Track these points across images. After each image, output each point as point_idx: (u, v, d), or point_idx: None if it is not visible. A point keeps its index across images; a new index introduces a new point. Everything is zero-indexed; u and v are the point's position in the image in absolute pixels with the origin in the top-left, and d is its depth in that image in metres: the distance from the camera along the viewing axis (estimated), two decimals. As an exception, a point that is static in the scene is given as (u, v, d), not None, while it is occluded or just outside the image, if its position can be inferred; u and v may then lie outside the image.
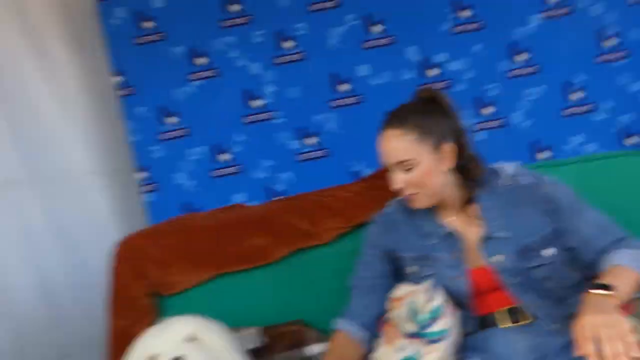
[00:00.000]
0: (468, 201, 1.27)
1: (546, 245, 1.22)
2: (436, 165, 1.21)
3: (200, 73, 2.27)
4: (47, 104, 2.16)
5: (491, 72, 2.26)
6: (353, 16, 2.24)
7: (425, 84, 2.25)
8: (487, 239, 1.23)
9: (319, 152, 2.31)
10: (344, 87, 2.27)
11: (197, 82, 2.27)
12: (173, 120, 2.30)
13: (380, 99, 2.27)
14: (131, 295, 1.52)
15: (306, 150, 2.31)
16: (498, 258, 1.22)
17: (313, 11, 2.23)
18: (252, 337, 1.45)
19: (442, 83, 2.26)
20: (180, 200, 2.33)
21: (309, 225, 1.53)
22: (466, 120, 2.09)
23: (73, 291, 2.15)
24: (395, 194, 1.29)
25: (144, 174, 2.33)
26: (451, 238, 1.26)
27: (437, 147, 1.21)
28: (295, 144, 2.31)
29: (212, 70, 2.27)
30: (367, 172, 2.30)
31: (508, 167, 1.30)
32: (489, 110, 2.27)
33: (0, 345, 1.88)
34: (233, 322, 1.30)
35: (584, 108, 2.26)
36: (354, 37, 2.24)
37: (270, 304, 1.55)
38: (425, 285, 1.23)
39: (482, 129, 2.26)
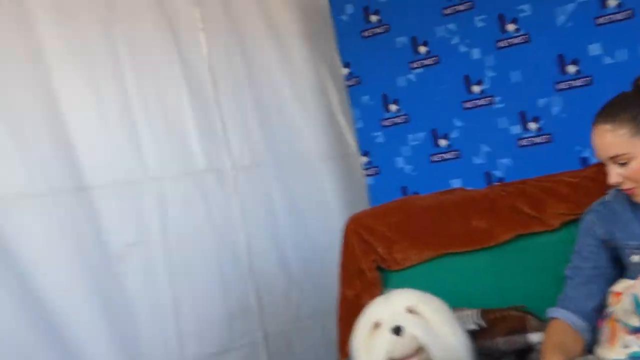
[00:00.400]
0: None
1: None
2: None
3: (422, 61, 2.35)
4: (286, 95, 2.45)
5: None
6: (586, -11, 2.10)
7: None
8: None
9: (541, 137, 2.23)
10: (572, 69, 2.14)
11: (419, 70, 2.36)
12: (394, 107, 2.43)
13: (613, 79, 2.09)
14: (360, 267, 1.68)
15: (527, 135, 2.25)
16: None
17: (539, -10, 2.15)
18: (472, 317, 1.49)
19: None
20: (400, 184, 2.45)
21: (534, 210, 1.52)
22: None
23: (304, 263, 2.42)
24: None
25: (367, 159, 2.50)
26: None
27: None
28: (516, 129, 2.26)
29: (433, 58, 2.33)
30: (595, 160, 2.16)
31: None
32: None
33: (248, 300, 2.21)
34: (453, 302, 1.35)
35: None
36: (586, 14, 2.10)
37: (491, 287, 1.57)
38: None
39: None
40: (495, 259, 1.56)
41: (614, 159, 1.20)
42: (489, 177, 2.32)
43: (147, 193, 1.96)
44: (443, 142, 2.37)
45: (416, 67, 2.36)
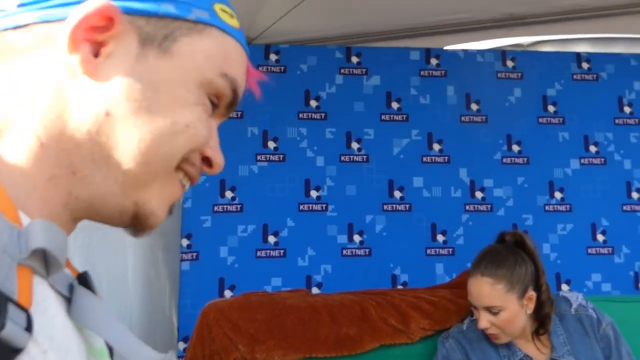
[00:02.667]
0: (540, 327, 1.43)
1: None
2: (519, 310, 1.38)
3: (269, 155, 2.36)
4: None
5: (530, 204, 2.46)
6: (417, 132, 2.43)
7: (471, 204, 2.43)
8: None
9: (363, 250, 2.40)
10: (398, 194, 2.41)
11: (264, 164, 2.36)
12: (230, 194, 2.35)
13: (427, 211, 2.42)
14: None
15: (351, 246, 2.39)
16: None
17: (383, 120, 2.41)
18: None
19: (485, 206, 2.44)
20: (218, 275, 2.32)
21: (401, 324, 1.59)
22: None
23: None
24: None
25: (188, 242, 2.33)
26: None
27: (522, 295, 1.38)
28: (342, 239, 2.39)
29: (280, 155, 2.37)
30: (404, 277, 2.41)
31: (576, 297, 1.48)
32: (523, 238, 2.45)
33: None
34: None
35: (606, 250, 2.48)
36: (416, 150, 2.42)
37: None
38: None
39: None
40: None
41: (488, 308, 1.37)
42: (309, 280, 2.37)
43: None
44: (272, 239, 2.36)
45: (261, 160, 2.37)
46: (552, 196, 2.47)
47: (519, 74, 2.54)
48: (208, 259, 2.33)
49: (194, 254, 2.34)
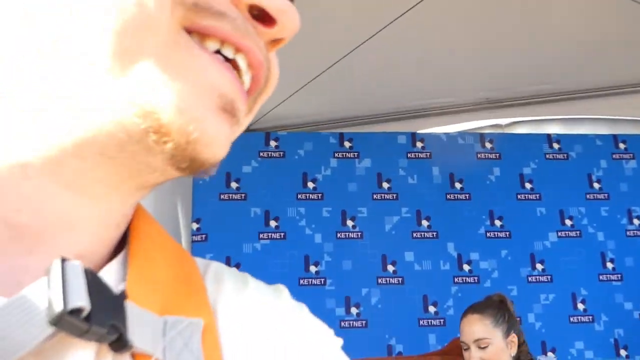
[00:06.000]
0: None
1: None
2: (504, 349, 1.57)
3: (270, 234, 2.54)
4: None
5: (514, 275, 2.64)
6: (407, 209, 2.63)
7: (459, 276, 2.60)
8: None
9: (360, 321, 2.54)
10: (391, 268, 2.58)
11: (266, 242, 2.53)
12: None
13: (419, 283, 2.59)
14: None
15: (349, 318, 2.53)
16: None
17: (375, 199, 2.62)
18: None
19: (472, 278, 2.61)
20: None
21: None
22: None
23: None
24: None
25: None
26: None
27: (507, 334, 1.58)
28: (340, 311, 2.53)
29: (281, 233, 2.55)
30: (399, 347, 2.54)
31: None
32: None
33: None
34: None
35: (587, 318, 2.65)
36: (406, 227, 2.61)
37: None
38: None
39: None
40: None
41: (477, 341, 1.56)
42: (309, 352, 2.48)
43: None
44: (274, 313, 2.49)
45: (264, 239, 2.54)
46: (533, 268, 2.66)
47: (497, 155, 2.78)
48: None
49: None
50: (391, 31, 2.17)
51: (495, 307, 1.65)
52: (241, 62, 0.30)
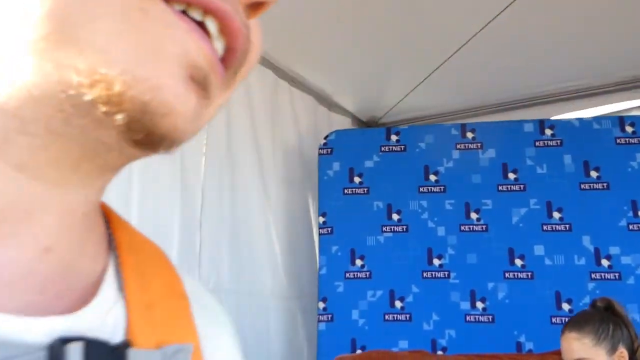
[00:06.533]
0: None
1: None
2: None
3: (393, 227, 2.60)
4: (261, 232, 2.55)
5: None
6: (535, 200, 2.52)
7: (597, 272, 2.43)
8: None
9: (485, 316, 2.49)
10: (519, 262, 2.49)
11: (389, 234, 2.60)
12: (359, 262, 2.61)
13: (550, 278, 2.47)
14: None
15: (474, 312, 2.50)
16: None
17: (500, 191, 2.55)
18: None
19: (613, 275, 2.42)
20: (351, 335, 2.55)
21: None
22: (636, 313, 2.23)
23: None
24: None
25: (324, 305, 2.60)
26: None
27: (612, 351, 1.46)
28: (465, 305, 2.51)
29: (403, 226, 2.60)
30: (529, 345, 2.44)
31: None
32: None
33: None
34: None
35: None
36: (535, 219, 2.51)
37: None
38: None
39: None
40: None
41: None
42: (434, 344, 2.50)
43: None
44: (398, 304, 2.55)
45: (386, 231, 2.61)
46: (686, 263, 2.39)
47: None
48: (342, 321, 2.58)
49: (329, 316, 2.60)
50: (512, 13, 2.10)
51: (597, 320, 1.52)
52: (211, 26, 0.27)
